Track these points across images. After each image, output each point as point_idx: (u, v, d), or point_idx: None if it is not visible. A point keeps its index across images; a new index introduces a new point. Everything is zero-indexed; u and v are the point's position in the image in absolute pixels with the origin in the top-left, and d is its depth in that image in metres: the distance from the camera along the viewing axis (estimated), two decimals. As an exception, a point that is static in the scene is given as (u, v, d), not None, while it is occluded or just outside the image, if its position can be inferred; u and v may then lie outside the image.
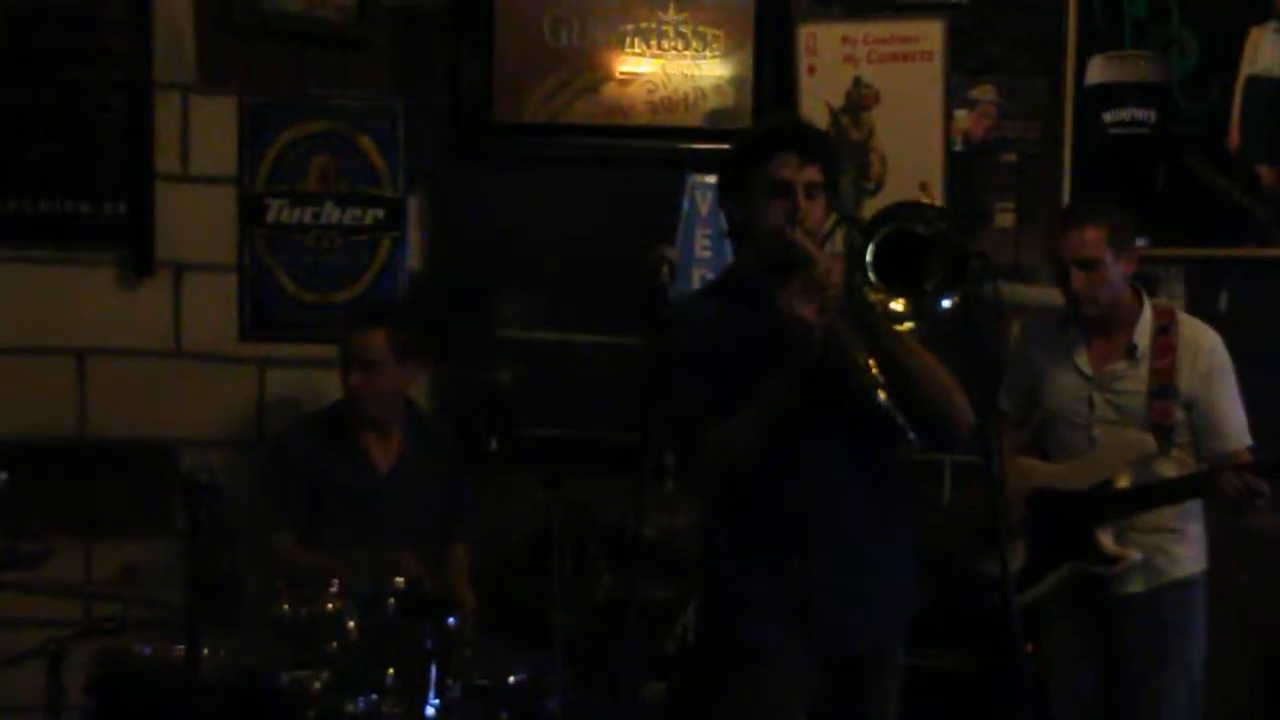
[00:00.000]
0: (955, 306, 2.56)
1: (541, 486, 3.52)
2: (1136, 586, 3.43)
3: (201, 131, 4.14)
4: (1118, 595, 3.43)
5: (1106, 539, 3.42)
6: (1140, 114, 4.13)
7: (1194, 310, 3.86)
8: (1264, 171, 4.06)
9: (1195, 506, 3.49)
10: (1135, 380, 3.44)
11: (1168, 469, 3.44)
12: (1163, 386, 3.41)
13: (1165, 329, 3.46)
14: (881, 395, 2.73)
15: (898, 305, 2.60)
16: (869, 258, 2.60)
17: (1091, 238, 3.42)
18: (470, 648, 3.19)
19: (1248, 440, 3.44)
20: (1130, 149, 4.15)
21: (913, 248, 2.60)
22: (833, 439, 2.79)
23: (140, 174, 4.06)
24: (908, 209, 2.65)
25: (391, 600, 3.05)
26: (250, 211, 4.18)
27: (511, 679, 3.16)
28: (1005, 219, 4.20)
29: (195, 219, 4.15)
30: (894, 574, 2.87)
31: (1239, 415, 3.45)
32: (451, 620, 3.04)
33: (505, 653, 3.30)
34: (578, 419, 4.08)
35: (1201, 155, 4.10)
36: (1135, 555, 3.41)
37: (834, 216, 2.84)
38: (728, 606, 2.85)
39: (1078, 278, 3.42)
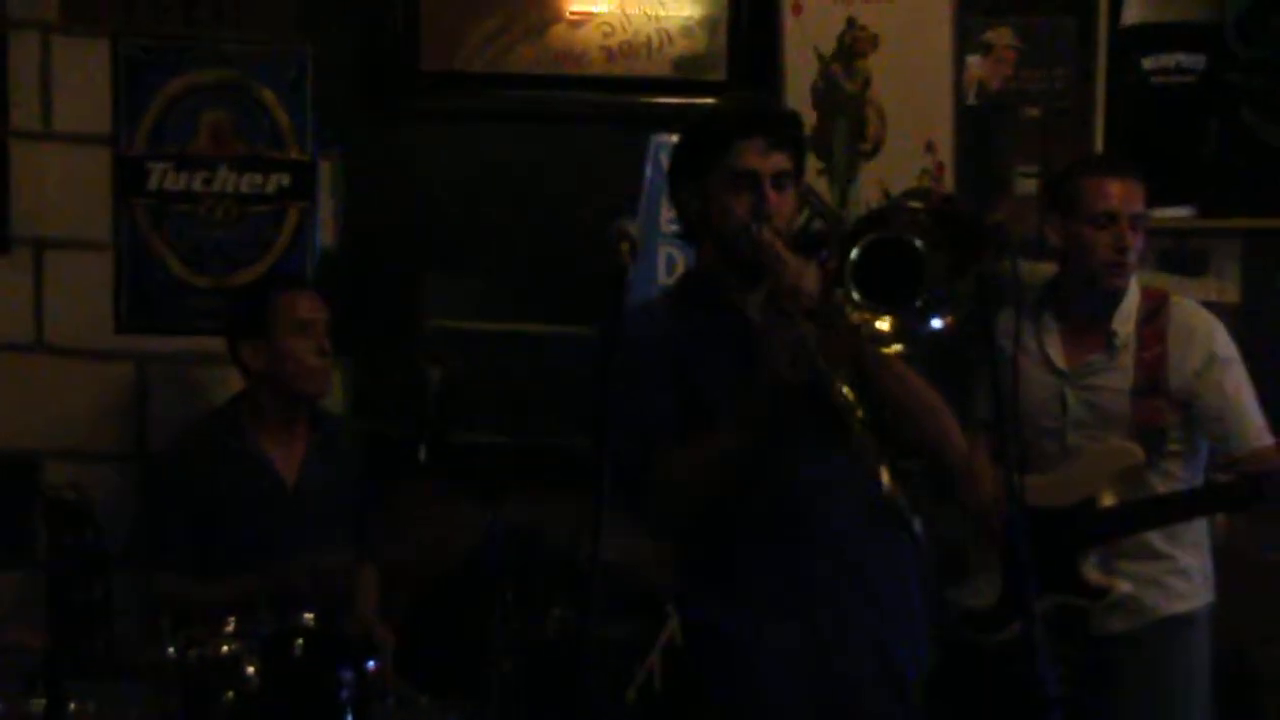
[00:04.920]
0: (947, 328, 2.59)
1: (479, 503, 3.51)
2: (1122, 624, 3.41)
3: (66, 81, 4.08)
4: (1097, 636, 3.40)
5: (1091, 569, 3.39)
6: (1187, 60, 4.13)
7: (1250, 291, 3.93)
8: (1334, 127, 4.10)
9: (1195, 531, 3.47)
10: (1116, 375, 3.43)
11: (1158, 483, 3.42)
12: (1151, 382, 3.40)
13: (1154, 314, 3.44)
14: (858, 429, 2.76)
15: (883, 325, 2.63)
16: (851, 268, 2.62)
17: (1141, 190, 3.42)
18: (392, 696, 3.15)
19: (1269, 438, 3.42)
20: (1175, 101, 4.14)
21: (904, 255, 2.61)
22: (834, 463, 2.81)
23: (-10, 131, 4.03)
24: (897, 209, 2.70)
25: (299, 640, 3.02)
26: (128, 177, 4.11)
27: (441, 733, 3.14)
28: (1027, 185, 4.17)
29: (60, 186, 4.10)
30: (912, 619, 2.89)
31: (1255, 409, 3.43)
32: (371, 664, 3.02)
33: (434, 702, 3.26)
34: (522, 423, 4.05)
35: (1260, 108, 4.08)
36: (1124, 586, 3.39)
37: (805, 212, 2.90)
38: (727, 663, 2.84)
39: (1130, 236, 3.39)
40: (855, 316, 2.63)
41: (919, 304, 2.60)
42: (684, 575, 2.96)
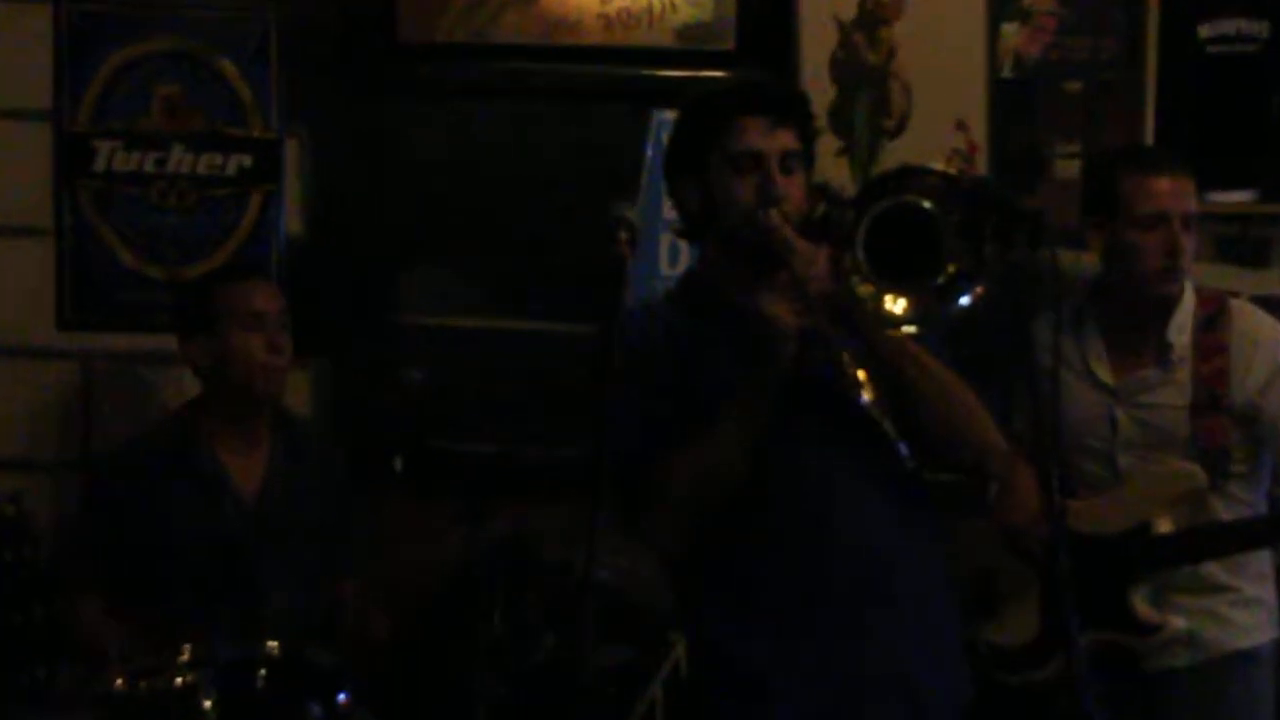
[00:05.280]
0: (976, 300, 2.56)
1: (463, 518, 3.52)
2: (1177, 661, 3.38)
3: (2, 50, 4.10)
4: (1153, 673, 3.37)
5: (1142, 603, 3.34)
6: (1248, 27, 4.05)
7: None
8: None
9: (1260, 560, 3.43)
10: (1172, 391, 3.38)
11: (1220, 507, 3.36)
12: (1211, 397, 3.35)
13: (1212, 321, 3.39)
14: (866, 396, 2.76)
15: (896, 306, 2.61)
16: (861, 238, 2.60)
17: (1191, 185, 3.34)
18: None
19: None
20: (1235, 73, 4.06)
21: (920, 230, 2.59)
22: (850, 470, 2.77)
23: (-82, 104, 4.02)
24: (917, 175, 2.63)
25: (261, 670, 3.01)
26: (72, 157, 4.11)
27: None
28: (1069, 167, 4.09)
29: (-5, 166, 4.00)
30: (940, 638, 2.84)
31: None
32: (342, 696, 3.02)
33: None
34: (510, 430, 4.03)
35: (1332, 82, 3.96)
36: (1179, 623, 3.34)
37: (820, 204, 2.78)
38: (735, 681, 2.81)
39: (1183, 238, 3.32)
40: (863, 289, 2.60)
41: (940, 282, 2.58)
42: (689, 591, 2.93)
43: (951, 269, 2.56)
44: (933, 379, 2.74)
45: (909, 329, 2.63)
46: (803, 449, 2.75)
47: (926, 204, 2.58)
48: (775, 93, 2.91)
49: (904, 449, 2.77)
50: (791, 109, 2.83)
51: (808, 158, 2.82)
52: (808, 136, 2.83)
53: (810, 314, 2.65)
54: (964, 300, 2.56)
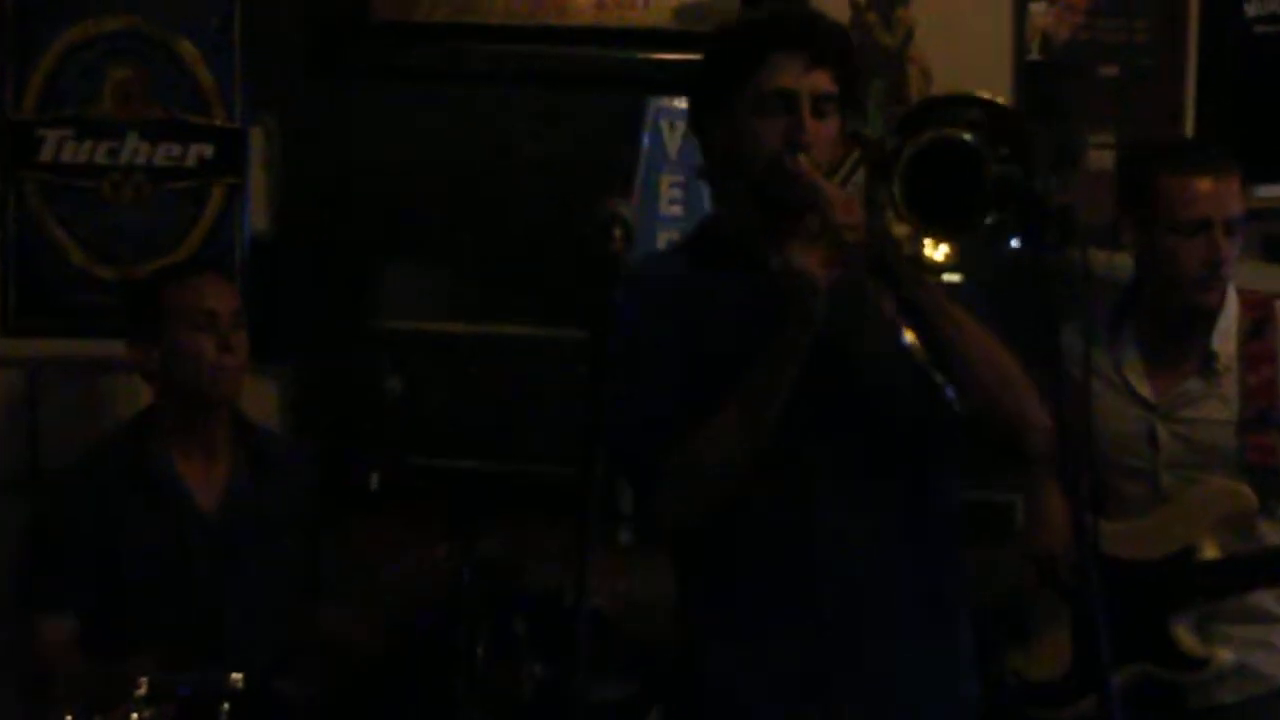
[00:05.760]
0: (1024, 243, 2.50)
1: (445, 539, 3.52)
2: (1226, 696, 3.34)
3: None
4: (1198, 710, 3.35)
5: (1186, 633, 3.32)
6: None
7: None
8: None
9: None
10: (1217, 404, 3.36)
11: (1270, 531, 3.34)
12: (1260, 411, 3.33)
13: (1259, 328, 3.37)
14: (909, 337, 2.67)
15: (937, 252, 2.55)
16: (900, 170, 2.54)
17: (1237, 185, 3.29)
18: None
19: None
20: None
21: (965, 169, 2.52)
22: (853, 474, 2.71)
23: None
24: (959, 104, 2.56)
25: (225, 705, 3.01)
26: (16, 146, 4.10)
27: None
28: (1102, 158, 4.10)
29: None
30: (952, 678, 2.78)
31: None
32: None
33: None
34: (496, 444, 4.04)
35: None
36: (1227, 657, 3.31)
37: (855, 152, 2.68)
38: (707, 703, 2.78)
39: (1226, 245, 3.26)
40: (898, 229, 2.55)
41: (990, 222, 2.50)
42: (681, 611, 2.88)
43: (1000, 212, 2.49)
44: (970, 336, 2.67)
45: (950, 278, 2.57)
46: (793, 435, 2.67)
47: (966, 136, 2.51)
48: (813, 27, 2.80)
49: (950, 392, 2.67)
50: (831, 47, 2.74)
51: (845, 103, 2.74)
52: (847, 79, 2.74)
53: (841, 265, 2.59)
54: (1017, 241, 2.48)
